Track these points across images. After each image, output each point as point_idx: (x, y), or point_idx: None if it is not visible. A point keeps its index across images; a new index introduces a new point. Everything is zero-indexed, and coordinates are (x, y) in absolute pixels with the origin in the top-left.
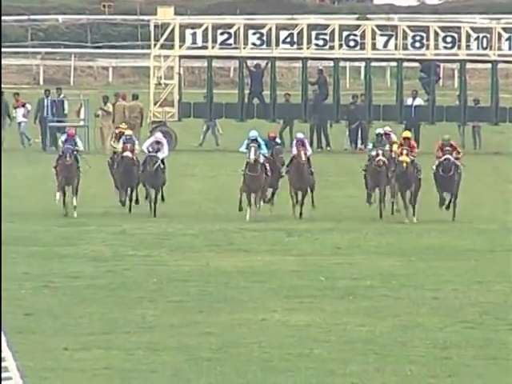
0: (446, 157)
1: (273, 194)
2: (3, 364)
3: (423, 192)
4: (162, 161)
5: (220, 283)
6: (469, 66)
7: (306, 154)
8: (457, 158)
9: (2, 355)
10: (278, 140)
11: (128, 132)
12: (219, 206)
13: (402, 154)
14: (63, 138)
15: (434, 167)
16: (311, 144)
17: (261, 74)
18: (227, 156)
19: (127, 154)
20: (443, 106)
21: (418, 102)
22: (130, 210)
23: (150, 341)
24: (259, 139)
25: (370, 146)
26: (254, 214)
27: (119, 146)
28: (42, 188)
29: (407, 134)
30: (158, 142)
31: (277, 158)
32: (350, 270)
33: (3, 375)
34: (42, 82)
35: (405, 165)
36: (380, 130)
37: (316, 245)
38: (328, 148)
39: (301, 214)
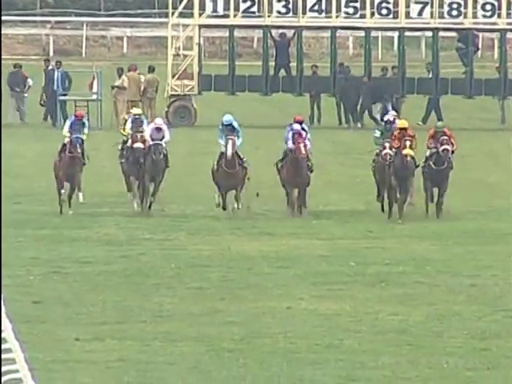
0: (444, 147)
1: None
2: (10, 355)
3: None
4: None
5: (242, 269)
6: (509, 35)
7: (305, 146)
8: (452, 152)
9: (9, 346)
10: (304, 126)
11: (136, 111)
12: None
13: (404, 146)
14: (69, 122)
15: (424, 159)
16: (340, 119)
17: (286, 44)
18: (250, 132)
19: (138, 145)
20: (482, 79)
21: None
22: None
23: (167, 331)
24: (235, 124)
25: (377, 133)
26: (233, 215)
27: (128, 129)
28: (51, 167)
29: (403, 123)
30: (158, 129)
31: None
32: (382, 254)
33: (10, 367)
34: (51, 53)
35: (409, 159)
36: (389, 117)
37: (346, 228)
38: (358, 124)
39: (301, 211)
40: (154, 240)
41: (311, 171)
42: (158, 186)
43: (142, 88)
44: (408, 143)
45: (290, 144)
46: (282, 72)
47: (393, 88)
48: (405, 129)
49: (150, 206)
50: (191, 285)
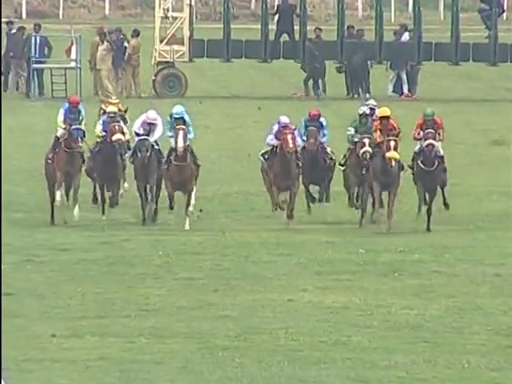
0: (428, 142)
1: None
2: None
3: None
4: (157, 144)
5: (239, 256)
6: None
7: (293, 139)
8: (440, 141)
9: None
10: (322, 120)
11: (111, 109)
12: (237, 163)
13: (389, 147)
14: (62, 110)
15: (412, 156)
16: (348, 89)
17: (291, 9)
18: (247, 104)
19: (117, 136)
20: (507, 44)
21: (404, 38)
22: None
23: (154, 326)
24: (186, 117)
25: (350, 130)
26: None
27: (98, 129)
28: (26, 142)
29: (385, 111)
30: (150, 124)
31: (308, 142)
32: (396, 241)
33: None
34: (24, 16)
35: (393, 163)
36: (365, 108)
37: (354, 211)
38: (367, 95)
39: (290, 216)
40: (139, 224)
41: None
42: (154, 190)
43: (126, 54)
44: (393, 144)
45: (273, 141)
46: (284, 37)
47: (407, 54)
48: (387, 118)
49: (155, 212)
50: (181, 275)
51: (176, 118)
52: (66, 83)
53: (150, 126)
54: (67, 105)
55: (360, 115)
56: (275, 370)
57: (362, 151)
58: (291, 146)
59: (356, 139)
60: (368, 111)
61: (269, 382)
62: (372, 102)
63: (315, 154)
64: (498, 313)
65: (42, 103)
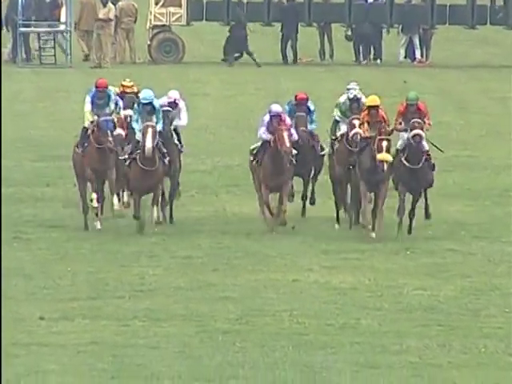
0: (416, 132)
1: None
2: None
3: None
4: (177, 134)
5: (240, 234)
6: None
7: (290, 135)
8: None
9: None
10: (310, 104)
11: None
12: (239, 133)
13: (380, 148)
14: (89, 97)
15: (395, 150)
16: (357, 54)
17: None
18: (247, 70)
19: (118, 131)
20: None
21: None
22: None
23: (149, 308)
24: (156, 103)
25: (336, 113)
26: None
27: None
28: (11, 111)
29: (374, 100)
30: (171, 103)
31: (300, 131)
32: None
33: None
34: None
35: (385, 167)
36: (354, 92)
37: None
38: (378, 61)
39: (282, 222)
40: None
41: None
42: (173, 189)
43: (113, 17)
44: (385, 144)
45: (266, 135)
46: None
47: (420, 17)
48: (376, 108)
49: (171, 215)
50: (178, 253)
51: (144, 104)
52: (54, 48)
53: (172, 106)
54: (93, 89)
55: (350, 100)
56: (279, 355)
57: (352, 132)
58: (287, 144)
59: (343, 126)
60: (359, 95)
61: (272, 368)
62: (354, 85)
63: (302, 142)
64: None
65: (30, 70)
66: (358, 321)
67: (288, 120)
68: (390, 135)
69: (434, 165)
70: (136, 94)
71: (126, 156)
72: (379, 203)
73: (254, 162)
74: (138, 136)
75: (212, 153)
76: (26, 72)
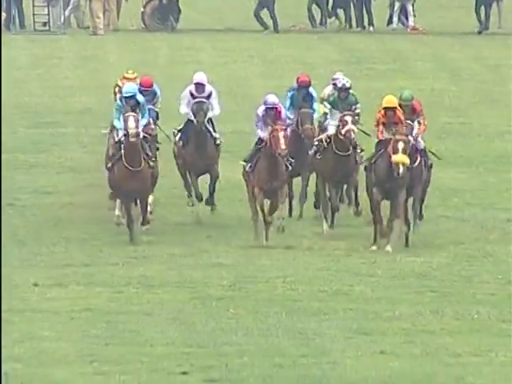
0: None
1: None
2: None
3: None
4: (212, 124)
5: (233, 200)
6: None
7: (286, 138)
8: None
9: None
10: (312, 90)
11: (128, 89)
12: (233, 100)
13: (396, 149)
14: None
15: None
16: (347, 21)
17: None
18: (242, 37)
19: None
20: None
21: None
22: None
23: (143, 275)
24: (139, 98)
25: (326, 106)
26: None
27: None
28: (6, 79)
29: (391, 100)
30: (201, 86)
31: (303, 128)
32: None
33: None
34: None
35: (401, 170)
36: (343, 81)
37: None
38: (371, 28)
39: (279, 229)
40: None
41: (287, 168)
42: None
43: None
44: (401, 146)
45: (262, 132)
46: None
47: None
48: (393, 109)
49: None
50: (171, 220)
51: (127, 98)
52: (48, 15)
53: (201, 91)
54: (138, 86)
55: (339, 89)
56: (272, 322)
57: (344, 130)
58: (283, 147)
59: (333, 119)
60: (347, 84)
61: (265, 334)
62: (340, 75)
63: (308, 141)
64: (510, 261)
65: (24, 36)
66: (352, 287)
67: (284, 113)
68: (407, 136)
69: (431, 164)
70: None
71: (108, 156)
72: (398, 214)
73: (248, 168)
74: (120, 134)
75: None
76: (20, 39)
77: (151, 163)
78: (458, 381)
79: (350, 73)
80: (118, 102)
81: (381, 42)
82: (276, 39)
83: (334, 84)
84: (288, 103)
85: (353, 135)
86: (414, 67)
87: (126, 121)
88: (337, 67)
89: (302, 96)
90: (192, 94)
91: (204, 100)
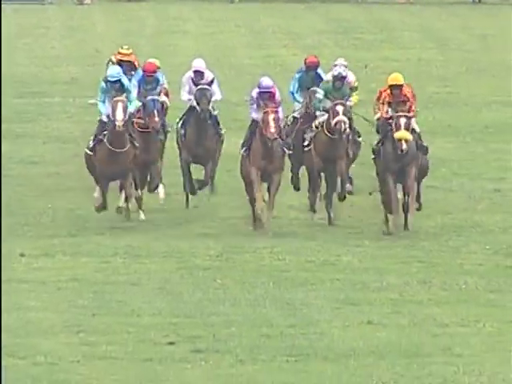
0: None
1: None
2: None
3: None
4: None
5: (221, 170)
6: None
7: (276, 121)
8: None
9: None
10: (320, 71)
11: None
12: (219, 70)
13: (398, 125)
14: (135, 80)
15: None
16: None
17: None
18: (229, 7)
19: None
20: None
21: None
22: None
23: (129, 245)
24: (124, 80)
25: (319, 93)
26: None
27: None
28: None
29: (397, 78)
30: (198, 73)
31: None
32: None
33: None
34: None
35: (404, 147)
36: (339, 69)
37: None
38: None
39: (266, 221)
40: None
41: (284, 152)
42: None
43: None
44: (403, 121)
45: (255, 114)
46: None
47: None
48: (399, 87)
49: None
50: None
51: (112, 82)
52: None
53: (201, 78)
54: (141, 73)
55: (334, 77)
56: (259, 292)
57: (335, 120)
58: (273, 130)
59: (323, 107)
60: (344, 73)
61: (252, 304)
62: (341, 61)
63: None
64: (497, 231)
65: (9, 6)
66: (339, 257)
67: (278, 96)
68: (410, 112)
69: (426, 148)
70: (133, 63)
71: (91, 143)
72: (410, 194)
73: (243, 151)
74: (104, 117)
75: None
76: (6, 8)
77: (136, 144)
78: (444, 351)
79: (336, 43)
80: (103, 84)
81: (368, 11)
82: (262, 9)
83: (336, 65)
84: (296, 85)
85: (343, 126)
86: (401, 37)
87: (114, 108)
88: (323, 37)
89: (310, 78)
90: (193, 81)
91: (207, 87)
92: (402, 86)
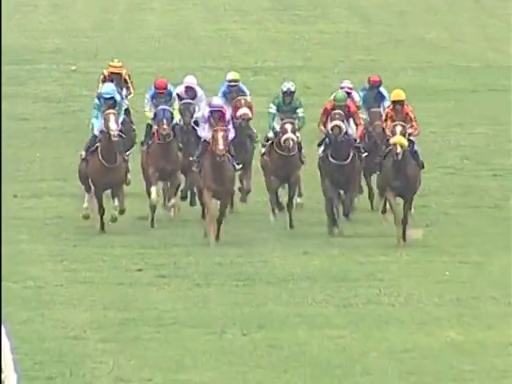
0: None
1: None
2: None
3: None
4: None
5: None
6: None
7: (225, 139)
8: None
9: None
10: (382, 89)
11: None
12: (179, 42)
13: (394, 132)
14: (148, 95)
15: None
16: None
17: None
18: None
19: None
20: None
21: None
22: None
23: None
24: (117, 97)
25: (271, 108)
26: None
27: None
28: None
29: (399, 94)
30: (188, 89)
31: (374, 125)
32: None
33: None
34: None
35: (399, 150)
36: (287, 84)
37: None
38: None
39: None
40: (91, 97)
41: (235, 170)
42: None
43: None
44: (399, 129)
45: (204, 133)
46: None
47: None
48: (400, 103)
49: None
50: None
51: (106, 99)
52: None
53: (190, 93)
54: (153, 89)
55: (283, 93)
56: (215, 228)
57: (283, 138)
58: (221, 148)
59: (276, 125)
60: (292, 88)
61: (207, 238)
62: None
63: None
64: None
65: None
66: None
67: (228, 115)
68: (412, 127)
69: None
70: (123, 77)
71: (83, 153)
72: (405, 211)
73: (195, 168)
74: (96, 132)
75: (157, 58)
76: None
77: (125, 157)
78: (368, 276)
79: (278, 18)
80: (96, 100)
81: None
82: None
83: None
84: (361, 102)
85: (291, 144)
86: (332, 13)
87: (106, 119)
88: (267, 13)
89: (373, 95)
90: (179, 96)
91: (191, 101)
92: (403, 101)
